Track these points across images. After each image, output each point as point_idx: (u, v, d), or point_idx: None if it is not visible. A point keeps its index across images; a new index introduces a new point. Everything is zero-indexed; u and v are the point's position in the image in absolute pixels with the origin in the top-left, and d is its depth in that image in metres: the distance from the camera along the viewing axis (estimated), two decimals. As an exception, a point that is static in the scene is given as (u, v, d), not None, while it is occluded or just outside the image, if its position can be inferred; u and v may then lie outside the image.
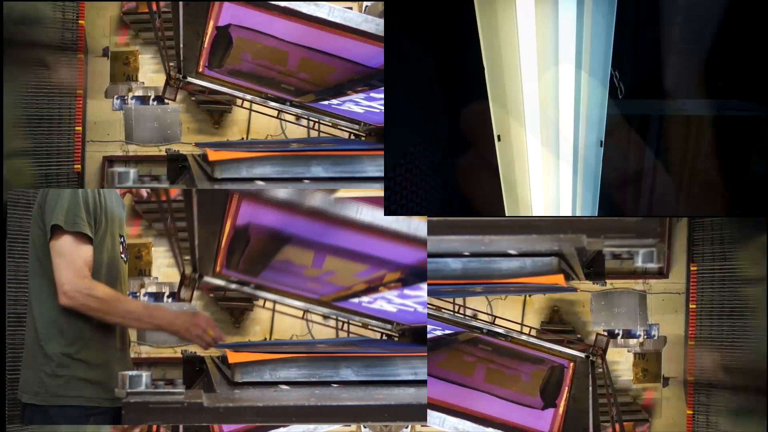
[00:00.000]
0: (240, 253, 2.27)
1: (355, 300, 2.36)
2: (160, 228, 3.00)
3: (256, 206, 2.19)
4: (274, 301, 2.36)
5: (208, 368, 2.26)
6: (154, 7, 2.43)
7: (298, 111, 2.55)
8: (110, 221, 2.08)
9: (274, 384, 2.08)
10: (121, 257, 2.13)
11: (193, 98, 2.97)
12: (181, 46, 2.44)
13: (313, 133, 2.76)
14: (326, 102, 2.56)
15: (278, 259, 2.27)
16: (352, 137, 2.60)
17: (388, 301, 2.35)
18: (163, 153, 3.05)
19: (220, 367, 2.25)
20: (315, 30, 2.48)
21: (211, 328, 2.10)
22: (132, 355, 2.41)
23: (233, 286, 2.33)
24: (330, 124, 2.58)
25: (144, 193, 2.26)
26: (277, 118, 2.66)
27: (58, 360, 1.99)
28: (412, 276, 2.27)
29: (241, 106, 2.63)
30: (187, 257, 2.31)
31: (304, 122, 2.74)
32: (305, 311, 2.36)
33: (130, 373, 1.91)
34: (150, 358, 2.92)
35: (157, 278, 2.98)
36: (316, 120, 2.59)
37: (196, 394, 1.94)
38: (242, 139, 3.01)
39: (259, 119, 2.95)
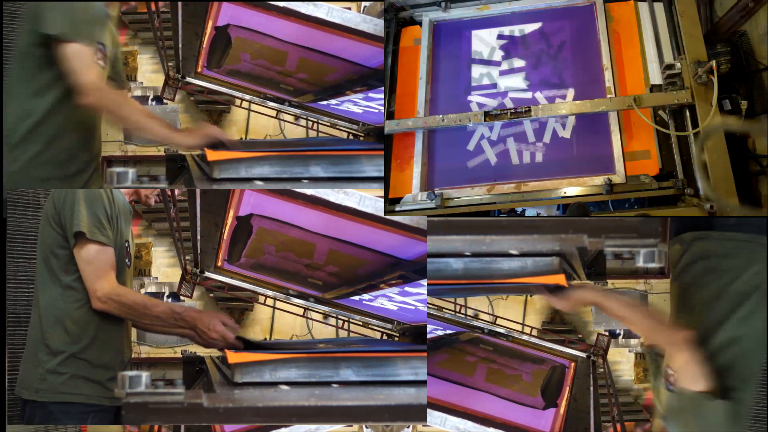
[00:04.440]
0: (242, 246, 2.27)
1: (356, 297, 2.35)
2: (160, 228, 3.00)
3: (258, 196, 2.21)
4: (275, 298, 2.36)
5: (208, 368, 2.25)
6: (153, 7, 2.43)
7: (297, 111, 2.55)
8: (119, 226, 2.09)
9: (274, 384, 2.07)
10: (125, 262, 2.13)
11: (191, 98, 2.98)
12: (180, 46, 2.44)
13: (312, 133, 2.76)
14: (325, 102, 2.56)
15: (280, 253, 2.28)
16: (351, 137, 2.60)
17: (389, 299, 2.35)
18: (162, 153, 3.05)
19: (220, 367, 2.25)
20: (314, 30, 2.48)
21: (230, 325, 2.13)
22: (132, 355, 2.41)
23: (235, 283, 2.33)
24: (329, 124, 2.58)
25: (152, 202, 2.27)
26: (275, 118, 2.65)
27: (62, 358, 1.99)
28: (413, 272, 2.27)
29: (240, 106, 2.63)
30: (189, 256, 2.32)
31: (303, 122, 2.73)
32: (305, 309, 2.35)
33: (129, 373, 1.90)
34: (150, 358, 2.91)
35: (156, 278, 2.98)
36: (315, 120, 2.59)
37: (196, 394, 1.93)
38: (241, 139, 3.02)
39: (257, 119, 2.95)
